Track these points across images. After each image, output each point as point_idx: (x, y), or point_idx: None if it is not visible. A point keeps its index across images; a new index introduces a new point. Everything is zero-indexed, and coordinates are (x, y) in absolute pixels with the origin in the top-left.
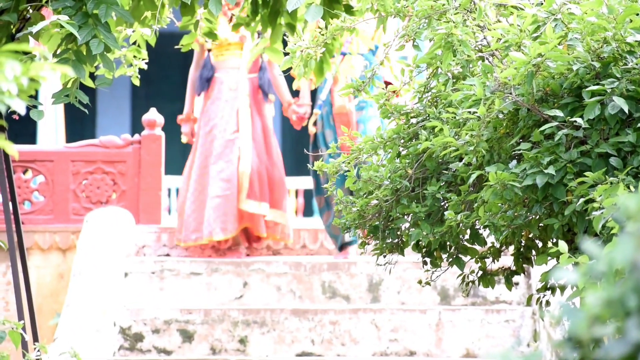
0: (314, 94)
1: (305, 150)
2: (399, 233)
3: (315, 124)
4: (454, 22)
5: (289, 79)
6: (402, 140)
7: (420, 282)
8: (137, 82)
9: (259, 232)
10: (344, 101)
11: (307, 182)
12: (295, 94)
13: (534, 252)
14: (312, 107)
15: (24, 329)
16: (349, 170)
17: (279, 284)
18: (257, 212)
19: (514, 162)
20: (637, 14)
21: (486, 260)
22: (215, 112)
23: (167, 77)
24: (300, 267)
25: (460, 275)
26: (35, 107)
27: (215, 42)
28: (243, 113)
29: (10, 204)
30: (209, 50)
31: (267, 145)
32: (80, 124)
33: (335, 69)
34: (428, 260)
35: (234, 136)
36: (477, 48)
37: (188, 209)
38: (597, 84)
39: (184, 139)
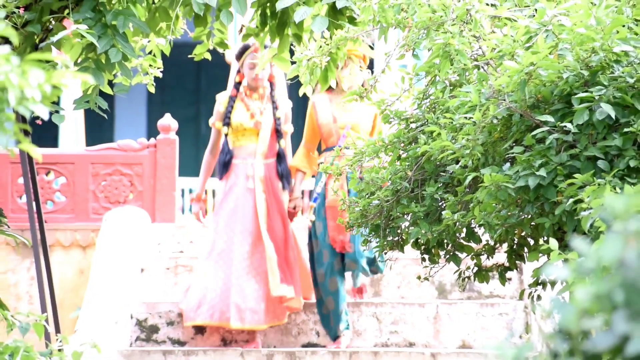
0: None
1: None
2: (399, 231)
3: (313, 214)
4: (451, 33)
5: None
6: (402, 144)
7: (419, 277)
8: (152, 89)
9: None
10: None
11: (310, 184)
12: (305, 100)
13: (526, 250)
14: (311, 197)
15: (47, 321)
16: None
17: None
18: (288, 295)
19: (508, 164)
20: (624, 26)
21: (481, 257)
22: (233, 199)
23: (181, 84)
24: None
25: (456, 271)
26: (57, 112)
27: (231, 127)
28: (259, 200)
29: (33, 203)
30: (226, 135)
31: (285, 230)
32: (99, 128)
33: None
34: (426, 257)
35: (251, 224)
36: (473, 57)
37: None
38: (586, 91)
39: (194, 218)
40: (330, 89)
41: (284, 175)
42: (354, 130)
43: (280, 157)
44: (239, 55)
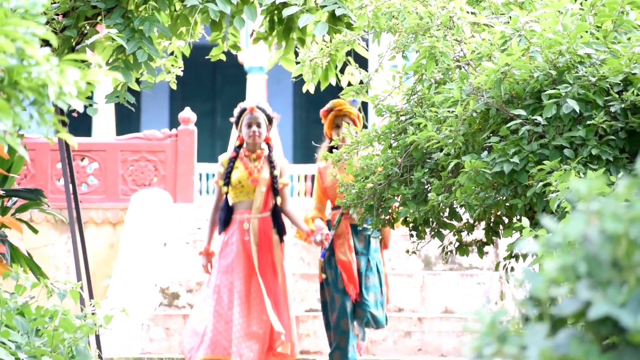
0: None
1: (315, 148)
2: (390, 211)
3: (323, 270)
4: (436, 37)
5: (300, 100)
6: (393, 134)
7: (407, 251)
8: (174, 86)
9: None
10: (346, 255)
11: (313, 169)
12: (308, 96)
13: (501, 227)
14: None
15: (81, 288)
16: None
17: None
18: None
19: (485, 152)
20: (587, 32)
21: (462, 233)
22: (231, 250)
23: (199, 81)
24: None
25: (440, 245)
26: (91, 105)
27: (229, 186)
28: (254, 250)
29: (70, 186)
30: (226, 193)
31: (275, 281)
32: (127, 120)
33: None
34: (414, 233)
35: (248, 271)
36: (455, 58)
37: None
38: (554, 89)
39: (202, 270)
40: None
41: (279, 229)
42: None
43: (275, 212)
44: (237, 119)
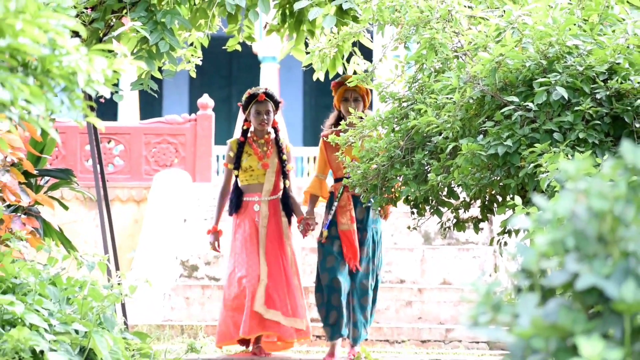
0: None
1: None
2: (392, 190)
3: (325, 237)
4: (436, 29)
5: (310, 95)
6: (396, 119)
7: (408, 227)
8: (193, 74)
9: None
10: (348, 225)
11: (322, 210)
12: (317, 83)
13: (495, 205)
14: (323, 224)
15: (108, 260)
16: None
17: None
18: (274, 319)
19: (481, 136)
20: (575, 24)
21: (459, 211)
22: (242, 232)
23: (217, 70)
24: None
25: (439, 222)
26: (117, 92)
27: (239, 169)
28: (262, 235)
29: (98, 166)
30: (237, 176)
31: (284, 261)
32: (150, 105)
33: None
34: (415, 210)
35: (256, 251)
36: (453, 49)
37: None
38: (544, 77)
39: (210, 247)
40: (337, 124)
41: (289, 211)
42: None
43: (285, 194)
44: (246, 105)
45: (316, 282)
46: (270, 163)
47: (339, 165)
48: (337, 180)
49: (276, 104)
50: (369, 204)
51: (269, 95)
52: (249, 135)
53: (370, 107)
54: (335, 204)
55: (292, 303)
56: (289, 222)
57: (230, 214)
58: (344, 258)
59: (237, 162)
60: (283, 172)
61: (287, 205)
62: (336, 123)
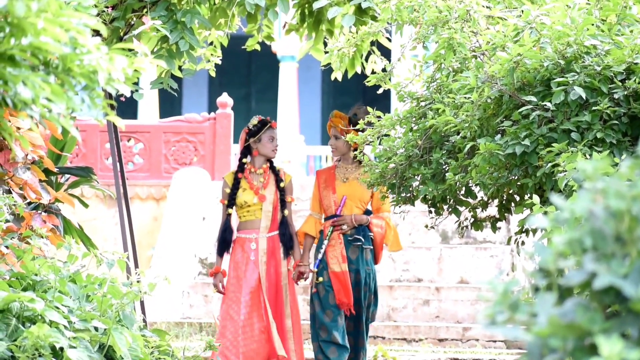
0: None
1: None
2: (410, 189)
3: (317, 282)
4: (454, 29)
5: (325, 86)
6: (414, 119)
7: (426, 226)
8: (213, 73)
9: None
10: (339, 265)
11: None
12: (335, 83)
13: (513, 204)
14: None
15: (127, 258)
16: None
17: None
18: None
19: (499, 135)
20: (593, 24)
21: (477, 210)
22: (238, 272)
23: (236, 69)
24: None
25: (457, 221)
26: (137, 90)
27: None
28: (262, 271)
29: (118, 164)
30: (229, 215)
31: (279, 300)
32: (170, 104)
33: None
34: (432, 209)
35: (255, 294)
36: (471, 49)
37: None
38: (562, 77)
39: (213, 290)
40: (338, 162)
41: (285, 243)
42: (350, 199)
43: (283, 225)
44: (257, 131)
45: (312, 331)
46: (267, 195)
47: (330, 202)
48: (327, 218)
49: None
50: (359, 243)
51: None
52: (245, 167)
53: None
54: (326, 242)
55: (285, 345)
56: (287, 256)
57: (220, 254)
58: (337, 304)
59: (232, 200)
60: (282, 202)
61: (285, 240)
62: (339, 159)
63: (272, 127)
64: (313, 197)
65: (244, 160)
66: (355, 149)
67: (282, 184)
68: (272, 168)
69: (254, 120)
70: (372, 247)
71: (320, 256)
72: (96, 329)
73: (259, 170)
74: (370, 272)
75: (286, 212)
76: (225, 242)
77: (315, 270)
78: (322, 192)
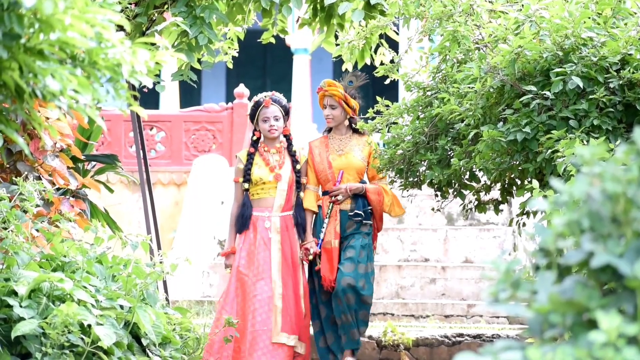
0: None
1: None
2: (417, 174)
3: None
4: (458, 23)
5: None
6: (421, 107)
7: (432, 209)
8: (230, 65)
9: None
10: (331, 241)
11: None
12: (346, 74)
13: (514, 188)
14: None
15: (151, 240)
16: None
17: None
18: (288, 343)
19: (501, 123)
20: (589, 17)
21: (480, 193)
22: (249, 251)
23: (252, 61)
24: None
25: (461, 204)
26: (158, 82)
27: (251, 182)
28: (274, 251)
29: (141, 152)
30: (247, 190)
31: (296, 281)
32: (189, 94)
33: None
34: (438, 193)
35: (266, 273)
36: (475, 41)
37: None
38: (561, 67)
39: (226, 270)
40: (327, 132)
41: (300, 224)
42: (347, 173)
43: (298, 207)
44: (253, 114)
45: (311, 309)
46: (283, 174)
47: (326, 177)
48: (325, 193)
49: (285, 110)
50: (359, 219)
51: (275, 100)
52: (259, 145)
53: (367, 109)
54: (327, 220)
55: (299, 326)
56: (299, 236)
57: (240, 231)
58: (322, 279)
59: (247, 175)
60: (297, 184)
61: (299, 219)
62: (329, 130)
63: (266, 106)
64: (309, 169)
65: (254, 138)
66: (352, 118)
67: (297, 166)
68: (289, 149)
69: (250, 103)
70: (371, 222)
71: (322, 236)
72: (121, 307)
73: (273, 150)
74: (364, 240)
75: (302, 194)
76: (243, 217)
77: (319, 251)
78: (317, 166)
